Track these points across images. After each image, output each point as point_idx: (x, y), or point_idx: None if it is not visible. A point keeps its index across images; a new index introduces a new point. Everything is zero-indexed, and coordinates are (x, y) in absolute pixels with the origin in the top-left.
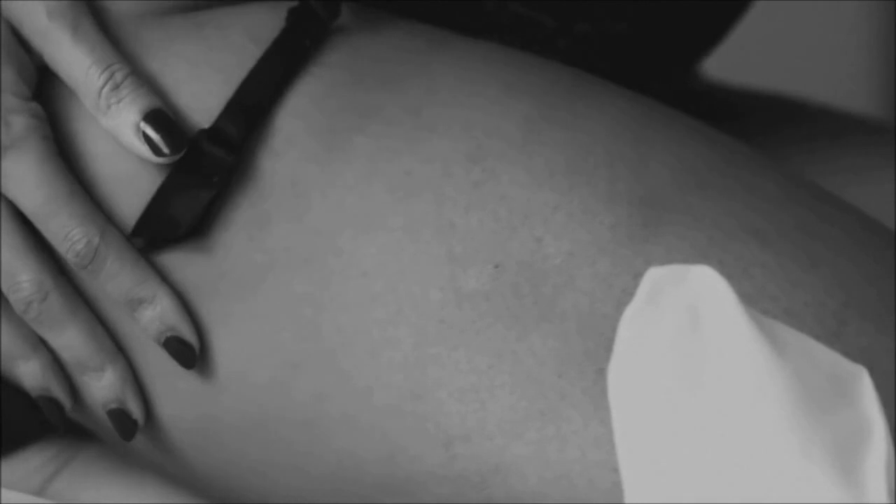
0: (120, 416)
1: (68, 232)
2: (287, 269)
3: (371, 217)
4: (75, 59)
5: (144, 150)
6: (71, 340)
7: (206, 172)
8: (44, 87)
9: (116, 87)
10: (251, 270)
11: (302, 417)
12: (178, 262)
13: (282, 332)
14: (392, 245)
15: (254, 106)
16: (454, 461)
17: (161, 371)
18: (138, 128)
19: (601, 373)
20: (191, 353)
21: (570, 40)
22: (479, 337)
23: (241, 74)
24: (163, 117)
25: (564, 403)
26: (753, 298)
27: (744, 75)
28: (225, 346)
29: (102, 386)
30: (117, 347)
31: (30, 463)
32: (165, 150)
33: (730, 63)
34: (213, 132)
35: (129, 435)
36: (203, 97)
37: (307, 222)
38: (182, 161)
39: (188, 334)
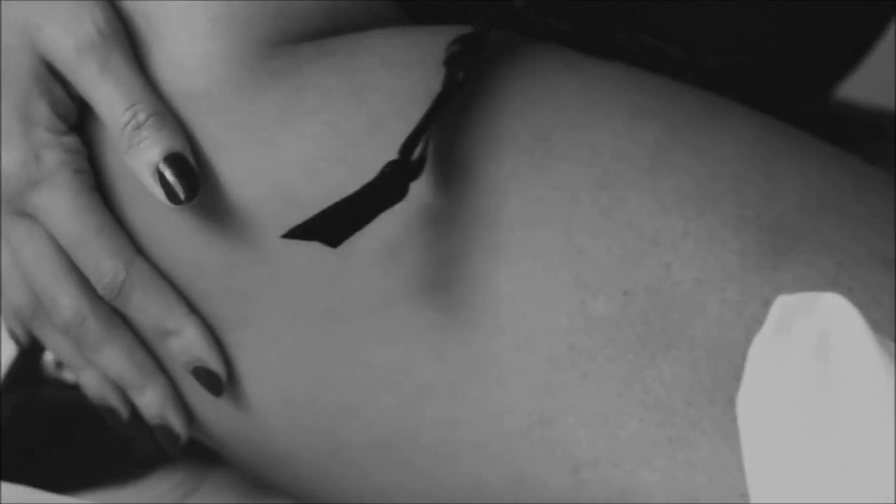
0: (163, 432)
1: (97, 265)
2: (417, 295)
3: (500, 244)
4: (102, 95)
5: (159, 194)
6: (111, 361)
7: (381, 199)
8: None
9: (139, 126)
10: (379, 296)
11: (431, 442)
12: (315, 283)
13: (411, 358)
14: (521, 272)
15: (424, 135)
16: (582, 487)
17: None
18: (156, 170)
19: (731, 401)
20: (217, 381)
21: (699, 72)
22: (609, 363)
23: (375, 99)
24: (182, 161)
25: (693, 431)
26: (883, 325)
27: (882, 96)
28: (349, 373)
29: (145, 403)
30: (157, 367)
31: (157, 489)
32: (181, 195)
33: (867, 83)
34: (399, 163)
35: (173, 449)
36: (337, 123)
37: (439, 250)
38: (368, 186)
39: (214, 364)
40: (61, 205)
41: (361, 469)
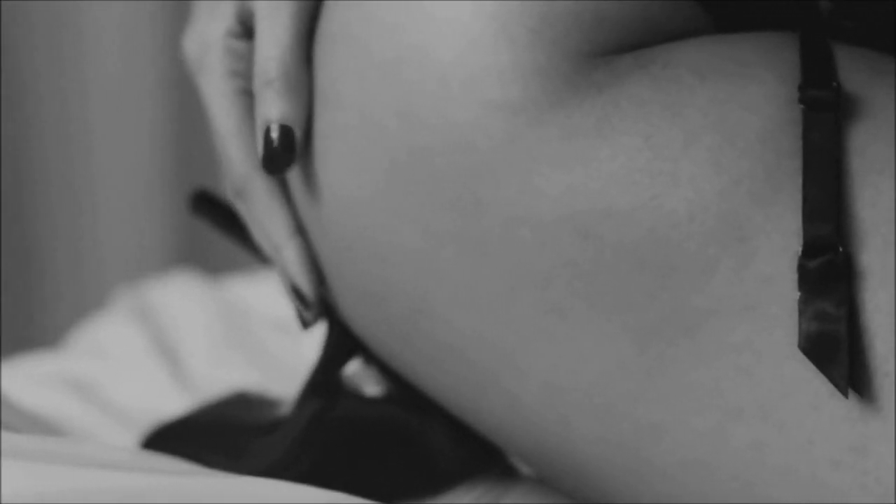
0: (297, 295)
1: (227, 164)
2: (728, 316)
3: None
4: (260, 31)
5: (260, 150)
6: (266, 218)
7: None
8: None
9: (268, 82)
10: (693, 315)
11: (735, 466)
12: (631, 302)
13: (721, 380)
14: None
15: None
16: None
17: None
18: (267, 128)
19: None
20: (304, 307)
21: None
22: None
23: (689, 112)
24: (287, 136)
25: None
26: None
27: None
28: (662, 390)
29: (283, 262)
30: (296, 230)
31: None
32: (275, 165)
33: None
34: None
35: (305, 315)
36: (652, 136)
37: (753, 268)
38: None
39: (305, 288)
40: (208, 98)
41: (660, 487)
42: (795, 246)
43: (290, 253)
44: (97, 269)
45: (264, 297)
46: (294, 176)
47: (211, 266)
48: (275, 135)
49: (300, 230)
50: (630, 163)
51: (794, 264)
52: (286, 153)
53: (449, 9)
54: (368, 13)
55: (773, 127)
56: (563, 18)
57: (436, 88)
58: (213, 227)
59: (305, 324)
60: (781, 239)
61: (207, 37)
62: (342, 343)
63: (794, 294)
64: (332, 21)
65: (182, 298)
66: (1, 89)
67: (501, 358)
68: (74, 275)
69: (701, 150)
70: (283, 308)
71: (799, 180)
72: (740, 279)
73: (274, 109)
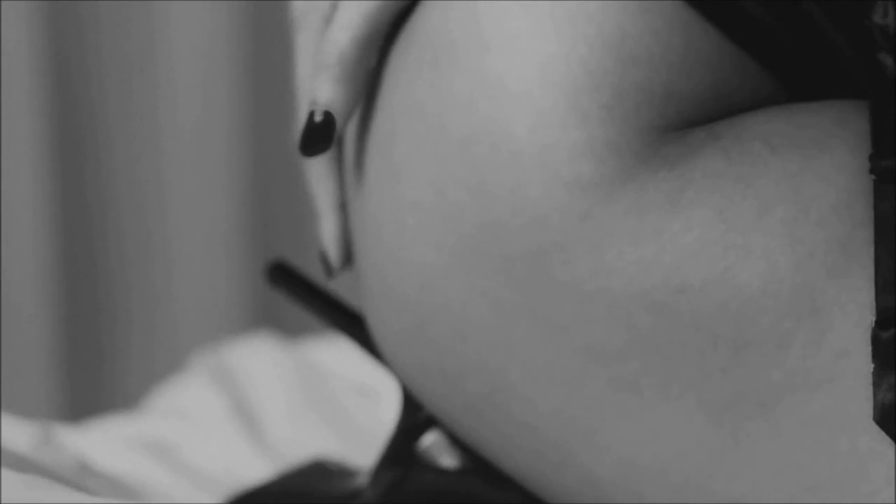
0: (323, 259)
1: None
2: (804, 390)
3: None
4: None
5: (300, 126)
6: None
7: None
8: None
9: (326, 65)
10: (769, 389)
11: None
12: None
13: (797, 455)
14: None
15: None
16: None
17: None
18: (312, 108)
19: None
20: (327, 272)
21: None
22: None
23: (761, 184)
24: (328, 123)
25: None
26: None
27: None
28: (738, 465)
29: (320, 231)
30: (339, 205)
31: None
32: (310, 148)
33: None
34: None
35: (327, 274)
36: (724, 209)
37: (827, 342)
38: None
39: (333, 261)
40: (298, 53)
41: None
42: (869, 317)
43: (328, 225)
44: (173, 331)
45: (343, 361)
46: (366, 254)
47: (288, 329)
48: (318, 118)
49: (343, 205)
50: (703, 236)
51: (868, 336)
52: (323, 140)
53: (521, 83)
54: (441, 87)
55: (846, 197)
56: (635, 94)
57: (508, 164)
58: (291, 298)
59: (326, 271)
60: (856, 311)
61: None
62: (418, 414)
63: (869, 366)
64: (405, 95)
65: (261, 361)
66: (77, 150)
67: (577, 434)
68: (151, 337)
69: (774, 223)
70: (362, 372)
71: (871, 251)
72: (815, 352)
73: (323, 93)
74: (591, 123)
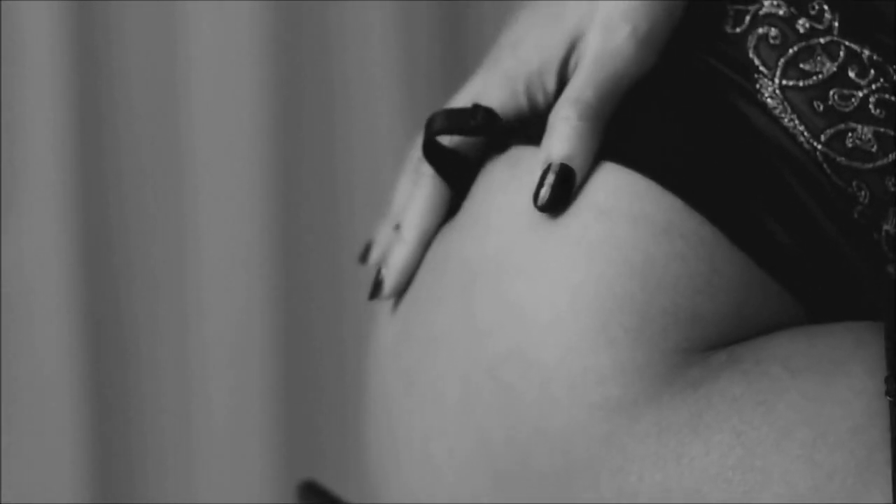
0: (377, 281)
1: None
2: None
3: None
4: (577, 81)
5: (534, 187)
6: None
7: None
8: None
9: (579, 117)
10: None
11: None
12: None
13: None
14: None
15: None
16: None
17: None
18: (548, 165)
19: None
20: (375, 293)
21: None
22: None
23: (781, 407)
24: (567, 176)
25: None
26: None
27: None
28: None
29: (392, 252)
30: (422, 241)
31: None
32: (547, 201)
33: None
34: None
35: (375, 290)
36: (744, 432)
37: None
38: None
39: (390, 285)
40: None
41: None
42: None
43: (404, 253)
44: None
45: None
46: (401, 484)
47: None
48: (554, 175)
49: (426, 243)
50: (722, 459)
51: None
52: (562, 197)
53: (548, 310)
54: (468, 316)
55: (863, 420)
56: (661, 318)
57: (537, 392)
58: None
59: (374, 292)
60: None
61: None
62: None
63: None
64: (434, 324)
65: None
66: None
67: None
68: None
69: (793, 446)
70: None
71: (889, 472)
72: None
73: (564, 146)
74: (619, 348)
